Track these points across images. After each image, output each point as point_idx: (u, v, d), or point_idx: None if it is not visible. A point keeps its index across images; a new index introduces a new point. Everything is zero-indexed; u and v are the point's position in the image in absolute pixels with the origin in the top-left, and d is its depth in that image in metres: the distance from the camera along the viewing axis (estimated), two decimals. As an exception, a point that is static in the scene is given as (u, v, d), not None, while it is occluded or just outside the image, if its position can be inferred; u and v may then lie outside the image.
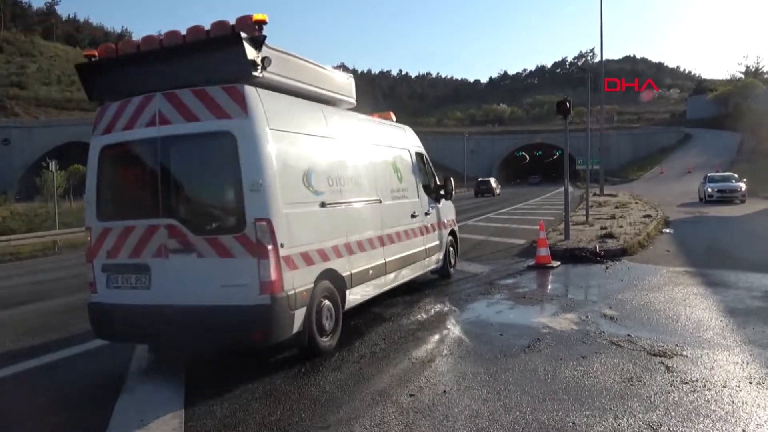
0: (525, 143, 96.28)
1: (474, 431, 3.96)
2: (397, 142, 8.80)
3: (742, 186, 27.69)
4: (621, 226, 15.13)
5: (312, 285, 5.72)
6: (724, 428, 3.85)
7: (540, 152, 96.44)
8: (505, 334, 6.35)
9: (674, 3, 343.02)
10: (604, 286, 8.84)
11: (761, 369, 4.93)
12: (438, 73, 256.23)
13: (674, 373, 4.88)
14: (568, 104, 12.99)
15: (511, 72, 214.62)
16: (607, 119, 54.13)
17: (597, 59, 75.76)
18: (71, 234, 23.61)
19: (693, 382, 4.68)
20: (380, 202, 7.53)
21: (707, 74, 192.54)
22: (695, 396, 4.39)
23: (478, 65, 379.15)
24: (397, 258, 7.81)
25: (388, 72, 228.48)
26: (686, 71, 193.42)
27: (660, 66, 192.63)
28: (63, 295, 10.75)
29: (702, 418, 4.00)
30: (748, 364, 5.09)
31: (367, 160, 7.45)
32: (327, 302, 5.98)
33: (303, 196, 5.80)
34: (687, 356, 5.32)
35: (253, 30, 5.29)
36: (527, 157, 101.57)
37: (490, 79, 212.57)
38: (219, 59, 5.39)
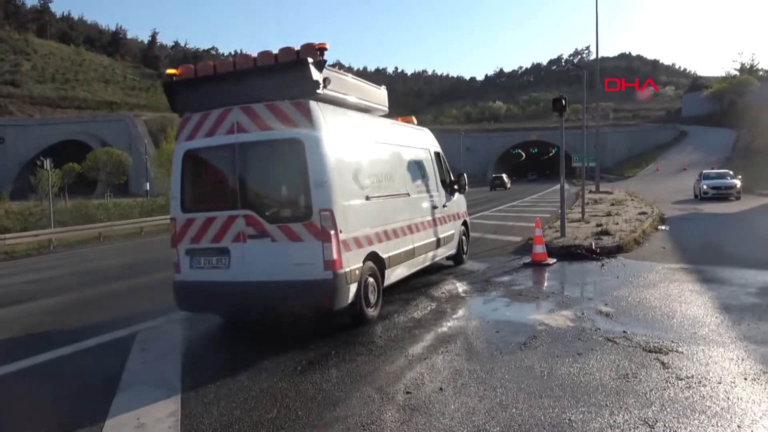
0: (521, 140, 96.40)
1: (470, 428, 3.97)
2: (420, 143, 10.02)
3: (737, 183, 27.75)
4: (617, 223, 15.16)
5: (361, 264, 6.81)
6: (719, 424, 3.86)
7: (536, 149, 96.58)
8: (502, 332, 6.36)
9: (670, 0, 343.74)
10: (600, 283, 8.86)
11: (756, 365, 4.95)
12: (434, 71, 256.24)
13: (670, 370, 4.89)
14: (563, 101, 13.00)
15: (507, 69, 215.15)
16: (602, 116, 54.24)
17: (593, 57, 76.11)
18: (66, 233, 23.57)
19: (688, 378, 4.69)
20: (408, 195, 8.72)
21: (702, 71, 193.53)
22: (690, 392, 4.41)
23: (474, 62, 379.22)
24: (422, 244, 8.93)
25: (384, 69, 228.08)
26: (681, 68, 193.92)
27: (655, 63, 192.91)
28: (58, 293, 10.73)
29: (697, 414, 4.01)
30: (743, 360, 5.11)
31: (397, 159, 8.65)
32: (371, 279, 7.08)
33: (353, 190, 6.93)
34: (682, 353, 5.34)
35: (316, 55, 6.44)
36: (523, 154, 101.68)
37: (486, 76, 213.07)
38: (288, 79, 6.52)
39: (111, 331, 7.31)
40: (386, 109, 9.06)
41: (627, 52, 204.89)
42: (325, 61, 6.56)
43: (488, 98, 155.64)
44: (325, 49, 6.52)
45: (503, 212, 24.50)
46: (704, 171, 31.45)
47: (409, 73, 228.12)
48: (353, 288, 6.56)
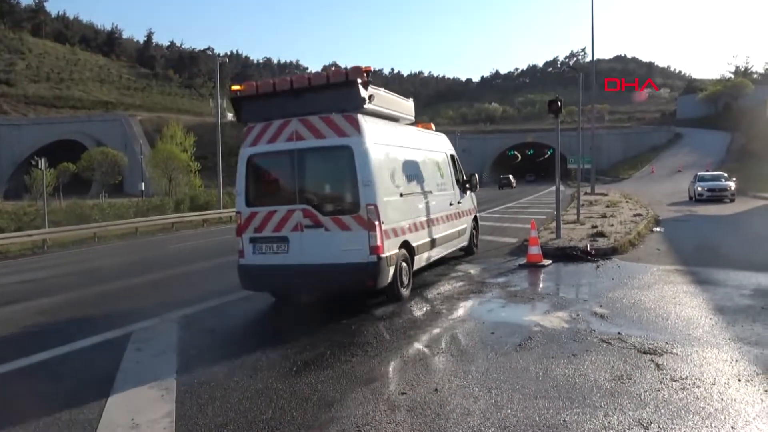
0: (517, 142, 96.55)
1: (465, 429, 3.97)
2: (438, 147, 11.36)
3: (732, 185, 27.86)
4: (612, 225, 15.20)
5: (397, 251, 8.03)
6: (713, 425, 3.88)
7: (532, 151, 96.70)
8: (497, 333, 6.37)
9: (665, 3, 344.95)
10: (595, 285, 8.87)
11: (750, 366, 4.97)
12: (430, 72, 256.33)
13: (664, 371, 4.91)
14: (559, 103, 13.02)
15: (503, 71, 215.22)
16: (598, 118, 54.36)
17: (588, 59, 76.17)
18: (60, 233, 23.45)
19: (683, 379, 4.71)
20: (431, 193, 9.95)
21: (697, 74, 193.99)
22: (685, 393, 4.42)
23: (470, 64, 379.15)
24: (441, 235, 10.16)
25: (380, 71, 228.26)
26: (677, 71, 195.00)
27: (651, 66, 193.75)
28: (52, 294, 10.68)
29: (691, 416, 4.02)
30: (736, 361, 5.12)
31: (422, 161, 9.84)
32: (404, 264, 8.28)
33: (391, 188, 8.18)
34: (677, 354, 5.35)
35: (363, 76, 7.61)
36: (519, 156, 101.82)
37: (482, 77, 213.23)
38: (339, 96, 7.72)
39: (106, 331, 7.28)
40: (413, 118, 10.38)
41: (623, 54, 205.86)
42: (371, 81, 7.79)
43: (484, 100, 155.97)
44: (371, 72, 7.76)
45: (499, 213, 24.52)
46: (699, 173, 31.58)
47: (405, 75, 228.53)
48: (391, 270, 7.79)
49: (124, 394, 5.08)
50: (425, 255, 9.38)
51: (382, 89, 8.83)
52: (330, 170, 8.09)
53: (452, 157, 11.80)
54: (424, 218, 9.41)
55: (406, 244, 8.40)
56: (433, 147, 10.99)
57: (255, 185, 8.19)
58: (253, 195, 8.08)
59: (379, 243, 7.44)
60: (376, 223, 7.43)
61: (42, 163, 28.09)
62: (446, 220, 10.55)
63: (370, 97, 7.81)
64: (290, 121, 7.78)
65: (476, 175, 12.65)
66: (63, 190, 50.36)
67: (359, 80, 7.55)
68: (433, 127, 11.83)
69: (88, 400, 4.94)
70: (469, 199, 12.35)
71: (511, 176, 66.73)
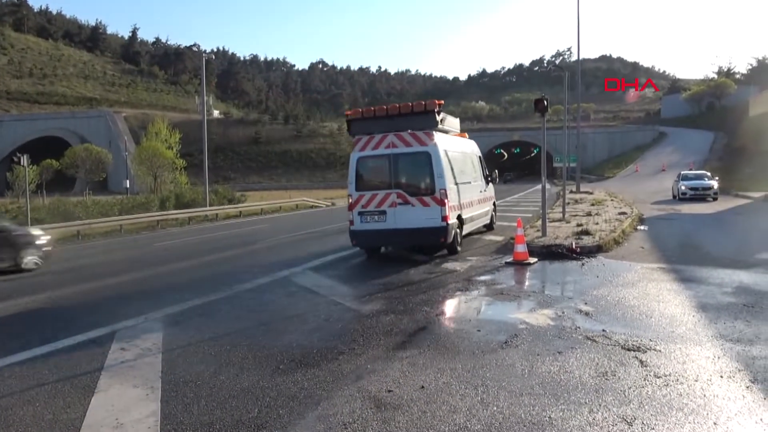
0: (503, 141, 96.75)
1: (452, 426, 3.99)
2: (472, 150, 15.54)
3: (715, 184, 28.18)
4: (597, 223, 15.32)
5: (456, 221, 12.06)
6: (696, 421, 3.93)
7: (518, 150, 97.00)
8: (483, 330, 6.40)
9: (650, 4, 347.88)
10: (580, 283, 8.94)
11: (732, 363, 5.04)
12: (417, 70, 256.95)
13: (648, 368, 4.96)
14: (545, 102, 13.10)
15: (490, 70, 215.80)
16: (583, 117, 54.72)
17: (574, 58, 76.72)
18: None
19: (666, 376, 4.76)
20: (470, 183, 13.88)
21: (681, 74, 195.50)
22: (668, 390, 4.47)
23: (456, 62, 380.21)
24: (476, 213, 14.31)
25: (368, 68, 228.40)
26: (661, 71, 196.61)
27: (635, 65, 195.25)
28: (34, 292, 10.54)
29: (675, 412, 4.07)
30: (719, 358, 5.19)
31: (464, 160, 13.95)
32: (458, 230, 12.35)
33: (451, 179, 12.01)
34: (660, 351, 5.42)
35: (436, 107, 11.79)
36: (505, 154, 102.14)
37: (469, 76, 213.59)
38: (421, 119, 11.81)
39: (90, 330, 7.21)
40: (458, 130, 14.58)
41: (608, 54, 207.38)
42: (442, 109, 12.07)
43: (471, 98, 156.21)
44: (442, 105, 12.10)
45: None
46: (682, 172, 31.90)
47: (392, 73, 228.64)
48: (453, 233, 11.81)
49: (109, 393, 5.03)
50: (468, 225, 13.40)
51: (449, 116, 13.19)
52: (415, 167, 11.96)
53: (479, 156, 15.99)
54: (467, 200, 13.21)
55: (459, 217, 12.36)
56: (470, 150, 15.17)
57: (362, 177, 12.02)
58: (360, 183, 11.96)
59: (447, 214, 11.43)
60: (446, 201, 11.40)
61: (24, 159, 27.68)
62: (478, 203, 14.61)
63: (442, 120, 12.13)
64: (387, 135, 11.78)
65: (496, 171, 17.57)
66: (46, 187, 49.64)
67: (435, 110, 11.74)
68: (467, 135, 15.70)
69: (72, 400, 4.90)
70: (491, 189, 16.56)
71: (511, 173, 78.41)
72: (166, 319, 7.68)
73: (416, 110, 11.75)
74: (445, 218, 11.30)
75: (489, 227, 16.09)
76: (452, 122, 13.67)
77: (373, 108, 12.32)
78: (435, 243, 11.64)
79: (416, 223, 11.36)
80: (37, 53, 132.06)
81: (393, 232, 11.59)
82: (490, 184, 16.31)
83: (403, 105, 12.01)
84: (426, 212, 11.35)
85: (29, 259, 13.75)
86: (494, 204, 17.05)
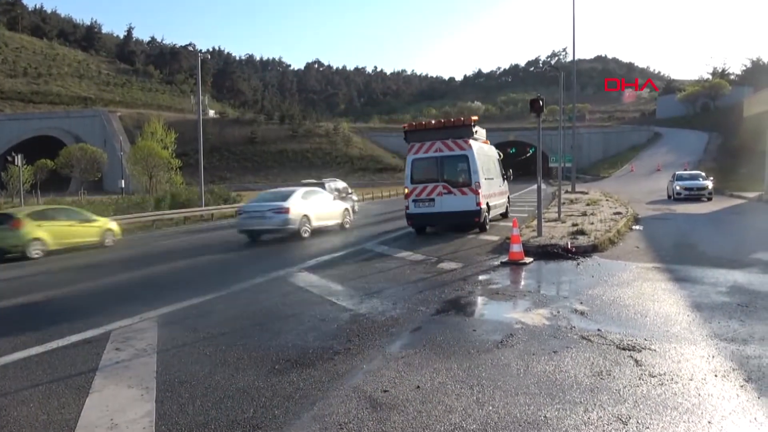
0: (499, 141, 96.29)
1: (447, 426, 3.99)
2: (494, 153, 19.21)
3: (709, 184, 28.32)
4: (592, 223, 15.36)
5: (486, 206, 15.82)
6: (690, 420, 3.94)
7: (513, 150, 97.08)
8: (479, 330, 6.40)
9: (645, 5, 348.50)
10: (576, 282, 8.96)
11: (726, 362, 5.06)
12: (413, 70, 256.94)
13: (643, 367, 4.98)
14: (541, 102, 13.12)
15: (486, 70, 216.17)
16: (578, 117, 54.82)
17: (569, 58, 76.83)
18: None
19: (661, 375, 4.78)
20: (492, 180, 17.50)
21: (676, 75, 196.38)
22: (663, 389, 4.49)
23: (452, 63, 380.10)
24: (496, 203, 17.81)
25: (363, 68, 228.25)
26: (656, 71, 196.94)
27: (630, 66, 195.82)
28: (29, 292, 10.50)
29: (669, 411, 4.09)
30: (713, 357, 5.21)
31: (488, 161, 17.55)
32: (487, 213, 16.07)
33: (482, 175, 15.75)
34: (655, 350, 5.43)
35: (472, 121, 16.22)
36: (501, 154, 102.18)
37: (465, 76, 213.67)
38: (461, 130, 16.10)
39: (84, 330, 7.18)
40: (485, 138, 18.26)
41: (603, 55, 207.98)
42: (476, 123, 16.51)
43: (467, 98, 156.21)
44: (477, 120, 16.56)
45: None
46: (677, 172, 32.05)
47: (388, 73, 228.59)
48: (483, 215, 15.64)
49: (103, 393, 5.01)
50: (492, 212, 17.05)
51: (479, 127, 16.92)
52: (456, 166, 15.78)
53: (498, 159, 19.63)
54: (490, 192, 16.77)
55: (487, 204, 15.99)
56: (492, 153, 18.88)
57: (415, 173, 16.06)
58: (414, 178, 16.01)
59: (480, 201, 15.34)
60: (479, 191, 15.32)
61: (18, 159, 27.60)
62: (498, 195, 18.32)
63: (476, 131, 16.44)
64: (435, 142, 15.84)
65: (510, 170, 20.86)
66: (41, 187, 49.43)
67: (471, 124, 16.08)
68: (489, 142, 19.04)
69: (67, 401, 4.88)
70: (506, 185, 20.35)
71: (510, 171, 77.07)
72: (161, 319, 7.65)
73: (456, 124, 16.25)
74: (479, 204, 15.24)
75: (504, 215, 19.60)
76: (482, 132, 17.47)
77: (423, 122, 17.42)
78: (471, 222, 15.58)
79: (457, 208, 15.31)
80: (31, 52, 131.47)
81: (439, 214, 15.58)
82: (506, 182, 20.17)
83: (447, 120, 17.22)
84: (465, 199, 15.30)
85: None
86: (509, 198, 21.08)
